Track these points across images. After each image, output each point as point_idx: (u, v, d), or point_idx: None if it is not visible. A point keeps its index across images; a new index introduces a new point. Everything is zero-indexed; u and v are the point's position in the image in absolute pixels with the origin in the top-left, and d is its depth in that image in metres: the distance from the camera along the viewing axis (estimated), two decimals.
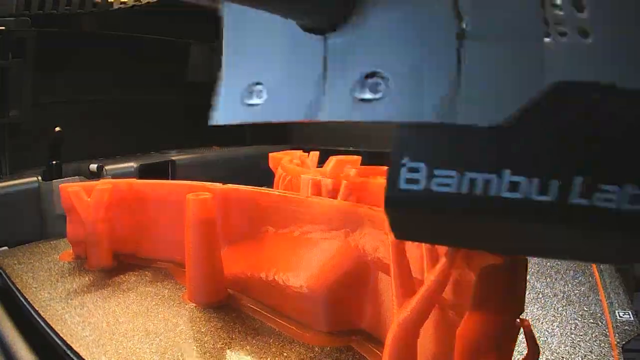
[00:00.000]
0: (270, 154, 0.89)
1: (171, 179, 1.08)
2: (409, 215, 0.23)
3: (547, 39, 0.19)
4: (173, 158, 1.11)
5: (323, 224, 0.49)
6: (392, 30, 0.22)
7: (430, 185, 0.21)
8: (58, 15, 0.94)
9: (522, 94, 0.20)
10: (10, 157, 0.95)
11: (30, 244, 0.74)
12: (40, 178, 0.87)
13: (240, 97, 0.27)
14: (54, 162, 0.89)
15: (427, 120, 0.21)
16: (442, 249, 0.33)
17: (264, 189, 0.57)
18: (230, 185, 0.59)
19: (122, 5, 0.99)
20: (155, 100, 1.19)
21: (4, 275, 0.61)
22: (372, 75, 0.22)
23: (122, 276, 0.61)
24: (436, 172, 0.21)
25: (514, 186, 0.20)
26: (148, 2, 1.01)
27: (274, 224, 0.55)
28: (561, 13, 0.19)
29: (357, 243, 0.46)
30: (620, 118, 0.18)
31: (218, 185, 0.59)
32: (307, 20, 0.23)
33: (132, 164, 1.02)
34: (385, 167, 0.55)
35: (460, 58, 0.20)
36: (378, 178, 0.62)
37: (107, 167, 0.97)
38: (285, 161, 0.82)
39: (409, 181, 0.22)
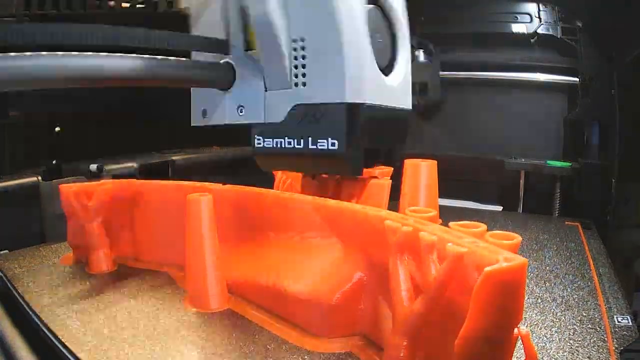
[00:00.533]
0: None
1: (171, 179, 1.08)
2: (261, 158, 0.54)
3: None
4: (173, 158, 1.11)
5: (323, 230, 0.49)
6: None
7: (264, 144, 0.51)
8: (58, 15, 0.94)
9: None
10: (10, 157, 0.95)
11: (31, 248, 0.74)
12: (40, 178, 0.87)
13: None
14: (54, 162, 0.89)
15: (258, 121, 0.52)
16: (441, 258, 0.34)
17: (263, 190, 0.57)
18: (230, 186, 0.59)
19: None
20: (155, 100, 1.19)
21: (5, 279, 0.61)
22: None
23: (122, 281, 0.61)
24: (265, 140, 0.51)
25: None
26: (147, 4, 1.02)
27: (274, 226, 0.55)
28: None
29: (356, 250, 0.47)
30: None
31: (218, 185, 0.59)
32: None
33: (132, 164, 1.02)
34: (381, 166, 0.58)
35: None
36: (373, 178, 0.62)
37: (107, 167, 0.97)
38: None
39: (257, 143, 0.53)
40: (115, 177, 0.95)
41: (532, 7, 1.17)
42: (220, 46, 0.55)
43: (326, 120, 0.48)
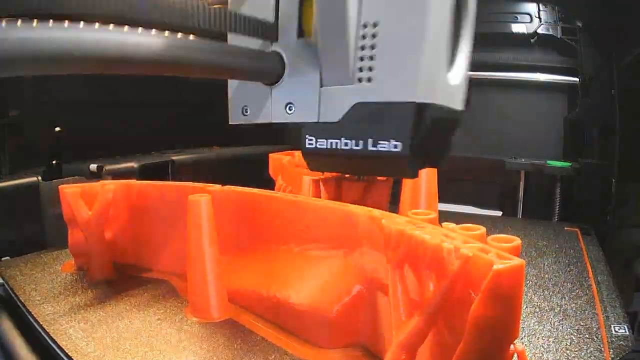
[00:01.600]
0: (271, 155, 0.88)
1: (171, 179, 1.08)
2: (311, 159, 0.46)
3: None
4: (173, 158, 1.11)
5: (323, 242, 0.50)
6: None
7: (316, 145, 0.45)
8: (58, 15, 0.94)
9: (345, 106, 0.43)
10: (10, 157, 0.95)
11: (32, 254, 0.74)
12: (40, 178, 0.87)
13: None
14: (54, 162, 0.89)
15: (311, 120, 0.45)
16: (440, 275, 0.34)
17: (263, 190, 0.57)
18: (229, 187, 0.59)
19: None
20: (155, 100, 1.18)
21: (7, 287, 0.61)
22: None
23: (124, 289, 0.61)
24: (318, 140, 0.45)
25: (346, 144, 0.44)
26: None
27: (274, 230, 0.55)
28: None
29: (356, 262, 0.47)
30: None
31: (217, 186, 0.59)
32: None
33: (132, 164, 1.02)
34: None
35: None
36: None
37: (107, 167, 0.97)
38: (286, 162, 0.81)
39: (309, 143, 0.45)
40: (115, 177, 0.95)
41: (532, 7, 1.17)
42: (268, 30, 0.46)
43: (390, 121, 0.42)
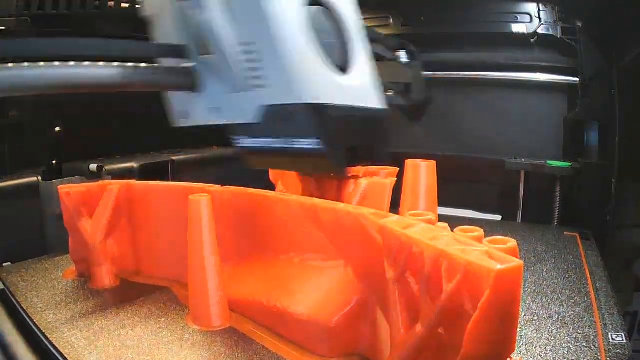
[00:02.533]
0: None
1: (171, 179, 1.08)
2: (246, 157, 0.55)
3: None
4: (173, 158, 1.11)
5: (323, 253, 0.50)
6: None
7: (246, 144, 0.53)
8: (58, 15, 0.94)
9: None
10: (10, 157, 0.95)
11: (34, 260, 0.74)
12: (40, 178, 0.87)
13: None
14: (54, 162, 0.89)
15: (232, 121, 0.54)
16: (439, 289, 0.34)
17: (262, 191, 0.57)
18: (228, 187, 0.59)
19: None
20: (156, 100, 1.18)
21: (9, 294, 0.61)
22: None
23: (125, 297, 0.61)
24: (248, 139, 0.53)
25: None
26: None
27: (274, 236, 0.55)
28: None
29: (355, 274, 0.47)
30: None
31: (216, 187, 0.59)
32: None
33: (132, 164, 1.02)
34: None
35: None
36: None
37: (107, 167, 0.97)
38: None
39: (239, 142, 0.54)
40: (115, 177, 0.95)
41: (532, 7, 1.16)
42: (180, 52, 0.55)
43: (297, 120, 0.49)
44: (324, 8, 0.54)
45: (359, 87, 0.56)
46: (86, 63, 0.45)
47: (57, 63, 0.43)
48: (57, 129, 0.89)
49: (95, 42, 0.47)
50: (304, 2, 0.51)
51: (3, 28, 0.87)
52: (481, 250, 0.32)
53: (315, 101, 0.49)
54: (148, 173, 1.03)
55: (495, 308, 0.29)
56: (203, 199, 0.53)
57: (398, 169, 0.63)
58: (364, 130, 0.58)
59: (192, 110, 0.58)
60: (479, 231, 0.36)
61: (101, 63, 0.46)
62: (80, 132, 1.00)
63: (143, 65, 0.51)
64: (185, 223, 0.54)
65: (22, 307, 0.57)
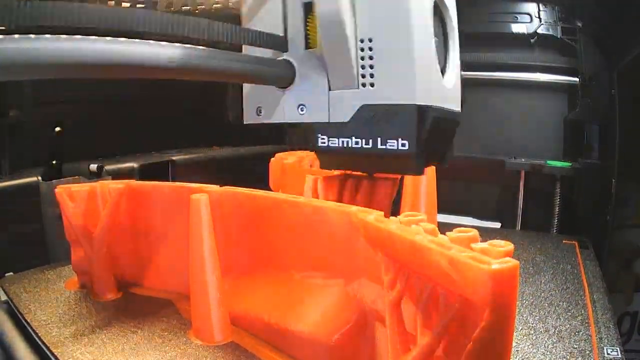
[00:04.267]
0: (275, 156, 0.86)
1: (171, 179, 1.08)
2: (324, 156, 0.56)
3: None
4: (173, 158, 1.11)
5: (323, 270, 0.50)
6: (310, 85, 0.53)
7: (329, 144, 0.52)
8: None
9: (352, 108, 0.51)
10: (10, 157, 0.95)
11: (35, 270, 0.73)
12: (40, 178, 0.87)
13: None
14: (54, 162, 0.89)
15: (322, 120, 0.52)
16: (435, 312, 0.34)
17: (262, 192, 0.56)
18: (227, 188, 0.58)
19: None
20: (156, 100, 1.19)
21: (13, 306, 0.61)
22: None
23: (128, 310, 0.61)
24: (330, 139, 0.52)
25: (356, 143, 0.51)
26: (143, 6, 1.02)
27: (276, 245, 0.55)
28: None
29: (355, 293, 0.47)
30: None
31: (215, 187, 0.58)
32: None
33: (132, 164, 1.02)
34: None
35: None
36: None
37: (107, 167, 0.97)
38: (290, 162, 0.80)
39: (321, 142, 0.53)
40: (115, 177, 0.95)
41: (532, 7, 1.17)
42: (279, 43, 0.54)
43: (396, 121, 0.48)
44: (438, 7, 0.54)
45: (451, 89, 0.57)
46: (165, 43, 0.40)
47: (123, 39, 0.37)
48: (57, 129, 0.89)
49: (183, 19, 0.41)
50: (432, 6, 0.51)
51: (3, 28, 0.87)
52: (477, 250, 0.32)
53: (424, 103, 0.48)
54: (148, 173, 1.03)
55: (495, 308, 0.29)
56: (202, 198, 0.53)
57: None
58: (444, 133, 0.57)
59: (271, 107, 0.56)
60: (473, 232, 0.35)
61: (175, 44, 0.41)
62: (80, 132, 1.00)
63: (236, 53, 0.49)
64: (185, 229, 0.54)
65: (25, 319, 0.57)
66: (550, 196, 1.13)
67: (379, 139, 0.49)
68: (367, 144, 0.50)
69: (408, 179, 0.65)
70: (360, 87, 0.50)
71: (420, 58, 0.47)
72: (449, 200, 0.79)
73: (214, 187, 0.58)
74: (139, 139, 1.18)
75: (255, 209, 0.56)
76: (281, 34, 0.54)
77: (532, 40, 1.17)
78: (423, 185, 0.69)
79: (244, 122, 0.59)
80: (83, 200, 0.63)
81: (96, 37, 0.36)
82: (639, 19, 0.98)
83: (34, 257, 0.83)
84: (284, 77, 0.53)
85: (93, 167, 0.96)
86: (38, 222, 0.86)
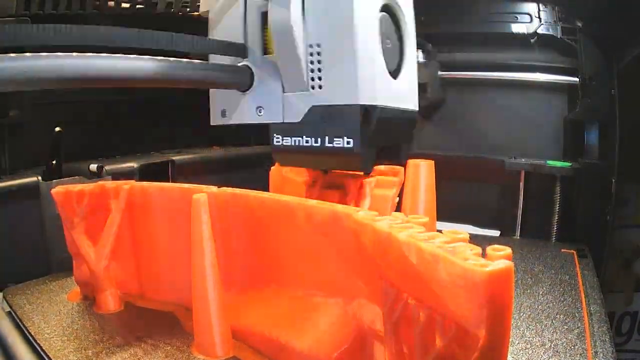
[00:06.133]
0: (276, 165, 0.85)
1: (171, 180, 1.08)
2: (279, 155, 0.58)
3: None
4: (173, 158, 1.11)
5: (323, 290, 0.51)
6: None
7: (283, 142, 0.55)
8: (58, 15, 0.94)
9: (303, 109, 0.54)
10: (10, 157, 0.95)
11: (37, 280, 0.73)
12: (40, 178, 0.87)
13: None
14: (54, 162, 0.89)
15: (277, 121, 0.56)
16: (432, 337, 0.34)
17: (261, 192, 0.56)
18: (225, 189, 0.58)
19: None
20: (155, 100, 1.19)
21: (16, 318, 0.61)
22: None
23: (130, 323, 0.61)
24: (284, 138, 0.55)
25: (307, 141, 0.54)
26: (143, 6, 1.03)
27: (278, 250, 0.55)
28: None
29: (355, 312, 0.48)
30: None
31: (213, 188, 0.58)
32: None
33: (132, 164, 1.02)
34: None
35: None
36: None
37: (107, 167, 0.97)
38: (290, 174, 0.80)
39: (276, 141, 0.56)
40: (115, 177, 0.95)
41: (532, 7, 1.16)
42: (239, 50, 0.57)
43: (342, 121, 0.52)
44: (388, 13, 0.57)
45: (405, 89, 0.60)
46: (130, 56, 0.45)
47: (101, 54, 0.43)
48: (57, 129, 0.89)
49: (149, 33, 0.46)
50: (379, 9, 0.54)
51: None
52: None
53: (373, 103, 0.52)
54: (148, 173, 1.03)
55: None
56: (202, 197, 0.53)
57: (403, 167, 0.64)
58: (396, 131, 0.62)
59: (234, 109, 0.60)
60: (464, 234, 0.35)
61: (146, 56, 0.46)
62: (80, 132, 1.01)
63: (198, 61, 0.53)
64: (185, 235, 0.54)
65: (29, 332, 0.58)
66: (550, 196, 1.13)
67: (326, 138, 0.53)
68: (316, 142, 0.54)
69: (408, 180, 0.65)
70: (310, 89, 0.53)
71: (365, 61, 0.51)
72: (449, 203, 0.79)
73: (211, 188, 0.58)
74: (139, 139, 1.18)
75: (256, 210, 0.56)
76: (241, 41, 0.58)
77: (532, 40, 1.16)
78: (422, 180, 0.69)
79: (211, 124, 0.63)
80: (84, 214, 0.64)
81: (76, 54, 0.41)
82: (639, 19, 0.98)
83: (34, 257, 0.83)
84: (243, 82, 0.57)
85: (93, 167, 0.96)
86: (38, 222, 0.86)
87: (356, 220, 0.43)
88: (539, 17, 1.16)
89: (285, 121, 0.56)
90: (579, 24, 1.13)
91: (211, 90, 0.63)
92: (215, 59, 0.60)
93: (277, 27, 0.52)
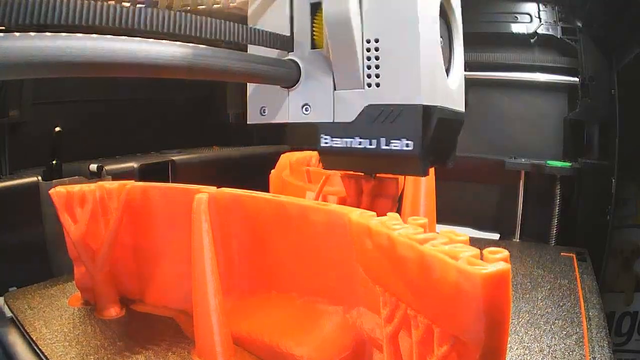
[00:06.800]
0: (276, 167, 0.84)
1: (171, 180, 1.08)
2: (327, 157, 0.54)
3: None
4: (173, 158, 1.11)
5: (324, 297, 0.51)
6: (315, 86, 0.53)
7: (332, 144, 0.52)
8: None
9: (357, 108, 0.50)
10: (10, 157, 0.95)
11: (39, 285, 0.73)
12: (40, 178, 0.87)
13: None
14: (54, 162, 0.89)
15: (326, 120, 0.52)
16: (431, 345, 0.34)
17: (260, 193, 0.56)
18: (224, 189, 0.58)
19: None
20: (155, 100, 1.19)
21: (18, 323, 0.61)
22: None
23: (131, 329, 0.61)
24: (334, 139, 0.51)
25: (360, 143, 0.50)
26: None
27: (279, 256, 0.55)
28: None
29: (354, 321, 0.48)
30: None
31: (212, 188, 0.58)
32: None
33: (132, 164, 1.02)
34: None
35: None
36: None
37: (107, 167, 0.97)
38: (298, 160, 0.79)
39: (324, 142, 0.52)
40: (115, 177, 0.95)
41: (532, 7, 1.17)
42: (285, 42, 0.54)
43: (401, 121, 0.48)
44: (444, 8, 0.54)
45: (455, 90, 0.56)
46: (173, 42, 0.40)
47: (137, 38, 0.37)
48: (57, 129, 0.89)
49: (178, 17, 0.41)
50: (438, 4, 0.51)
51: (3, 28, 0.87)
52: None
53: (430, 103, 0.48)
54: (148, 173, 1.03)
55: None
56: (202, 204, 0.52)
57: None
58: (450, 133, 0.57)
59: (275, 107, 0.56)
60: (464, 236, 0.35)
61: (180, 43, 0.40)
62: (80, 132, 1.01)
63: (242, 52, 0.49)
64: (186, 240, 0.54)
65: (31, 337, 0.58)
66: (550, 197, 1.13)
67: (383, 140, 0.49)
68: (370, 144, 0.50)
69: (408, 183, 0.65)
70: (366, 87, 0.49)
71: (426, 58, 0.47)
72: (448, 204, 0.79)
73: (210, 188, 0.58)
74: (139, 139, 1.18)
75: (257, 212, 0.55)
76: (287, 34, 0.54)
77: (532, 40, 1.17)
78: (422, 188, 0.69)
79: (248, 122, 0.59)
80: (84, 219, 0.64)
81: (101, 36, 0.35)
82: (639, 19, 0.98)
83: (34, 257, 0.83)
84: (289, 77, 0.53)
85: (93, 167, 0.96)
86: (38, 222, 0.86)
87: (352, 220, 0.42)
88: (539, 17, 1.16)
89: (336, 121, 0.52)
90: (579, 24, 1.13)
91: (249, 86, 0.58)
92: (254, 52, 0.54)
93: (333, 19, 0.48)
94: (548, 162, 1.12)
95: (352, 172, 0.61)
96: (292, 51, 0.54)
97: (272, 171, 0.79)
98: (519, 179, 1.16)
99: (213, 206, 0.54)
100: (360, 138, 0.50)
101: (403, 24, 0.47)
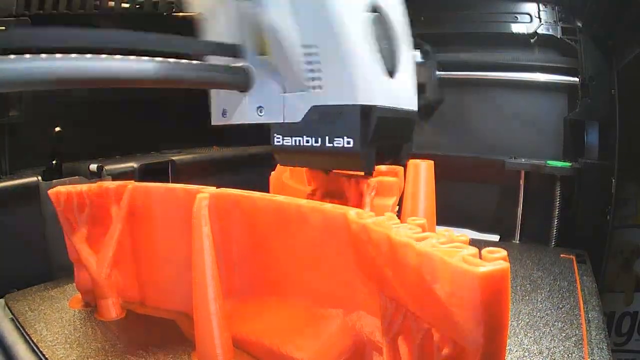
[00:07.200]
0: (276, 169, 0.84)
1: (171, 180, 1.08)
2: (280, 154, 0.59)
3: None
4: (173, 158, 1.11)
5: (324, 300, 0.51)
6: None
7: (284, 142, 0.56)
8: (58, 15, 0.94)
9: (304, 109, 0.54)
10: (10, 157, 0.95)
11: (39, 286, 0.74)
12: (40, 178, 0.87)
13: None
14: (54, 162, 0.89)
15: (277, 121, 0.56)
16: (431, 348, 0.34)
17: (260, 194, 0.56)
18: (224, 190, 0.58)
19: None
20: (155, 100, 1.18)
21: (18, 325, 0.61)
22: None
23: (132, 331, 0.61)
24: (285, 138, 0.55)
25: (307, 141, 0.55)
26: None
27: (279, 258, 0.55)
28: None
29: (354, 324, 0.48)
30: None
31: (211, 188, 0.57)
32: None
33: (132, 164, 1.02)
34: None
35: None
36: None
37: (107, 167, 0.96)
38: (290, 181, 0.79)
39: (277, 141, 0.57)
40: (115, 177, 0.95)
41: (532, 7, 1.17)
42: (235, 50, 0.57)
43: (342, 121, 0.52)
44: (379, 14, 0.57)
45: (404, 89, 0.60)
46: (131, 57, 0.46)
47: (102, 56, 0.44)
48: (57, 129, 0.89)
49: (138, 35, 0.47)
50: (366, 9, 0.54)
51: (3, 28, 0.87)
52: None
53: (369, 103, 0.52)
54: (148, 173, 1.03)
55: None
56: (203, 208, 0.52)
57: (402, 167, 0.64)
58: (396, 131, 0.61)
59: (234, 109, 0.60)
60: (464, 236, 0.35)
61: (145, 57, 0.46)
62: (80, 132, 1.00)
63: (197, 62, 0.53)
64: (186, 242, 0.54)
65: (32, 340, 0.58)
66: (550, 197, 1.13)
67: (327, 138, 0.53)
68: (316, 142, 0.54)
69: (408, 182, 0.65)
70: (310, 89, 0.54)
71: (360, 60, 0.51)
72: (448, 205, 0.79)
73: (210, 189, 0.57)
74: (139, 139, 1.18)
75: (257, 213, 0.55)
76: (237, 42, 0.58)
77: (532, 40, 1.17)
78: (422, 180, 0.69)
79: (212, 124, 0.64)
80: (84, 221, 0.64)
81: (75, 55, 0.42)
82: (639, 19, 0.98)
83: (34, 258, 0.83)
84: (242, 82, 0.57)
85: (93, 167, 0.96)
86: (38, 223, 0.86)
87: (350, 220, 0.42)
88: (539, 17, 1.16)
89: (285, 121, 0.56)
90: (579, 24, 1.13)
91: (212, 91, 0.63)
92: (212, 61, 0.59)
93: (270, 28, 0.53)
94: (548, 162, 1.12)
95: (352, 172, 0.63)
96: (243, 58, 0.58)
97: (272, 173, 0.79)
98: (519, 179, 1.16)
99: (213, 209, 0.54)
100: (307, 137, 0.55)
101: (331, 30, 0.51)
